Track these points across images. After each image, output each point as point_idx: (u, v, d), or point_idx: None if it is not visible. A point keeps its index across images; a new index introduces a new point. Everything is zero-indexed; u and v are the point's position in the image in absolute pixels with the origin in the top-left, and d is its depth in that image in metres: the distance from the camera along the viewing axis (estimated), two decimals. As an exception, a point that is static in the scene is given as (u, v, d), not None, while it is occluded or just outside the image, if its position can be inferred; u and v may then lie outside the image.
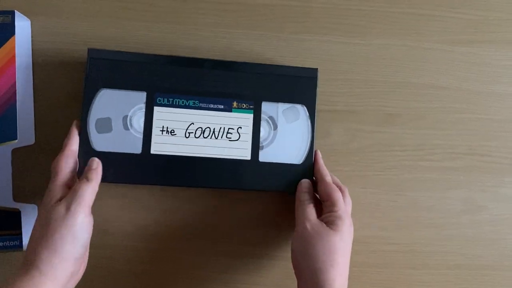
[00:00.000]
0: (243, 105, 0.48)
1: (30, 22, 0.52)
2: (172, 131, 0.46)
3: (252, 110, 0.48)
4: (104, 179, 0.45)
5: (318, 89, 0.49)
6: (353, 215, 0.46)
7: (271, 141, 0.48)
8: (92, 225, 0.41)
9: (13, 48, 0.49)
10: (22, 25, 0.51)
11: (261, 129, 0.48)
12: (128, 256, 0.50)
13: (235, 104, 0.48)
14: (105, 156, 0.45)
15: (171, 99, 0.47)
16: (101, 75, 0.46)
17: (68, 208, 0.39)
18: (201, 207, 0.51)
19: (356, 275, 0.51)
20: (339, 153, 0.52)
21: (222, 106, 0.47)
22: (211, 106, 0.47)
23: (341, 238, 0.42)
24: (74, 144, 0.44)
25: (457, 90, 0.53)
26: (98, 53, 0.46)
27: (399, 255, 0.52)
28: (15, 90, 0.49)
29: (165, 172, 0.46)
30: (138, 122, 0.46)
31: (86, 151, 0.45)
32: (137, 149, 0.46)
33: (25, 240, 0.48)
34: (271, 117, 0.48)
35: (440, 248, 0.52)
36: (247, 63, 0.48)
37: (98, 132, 0.45)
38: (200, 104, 0.47)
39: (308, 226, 0.42)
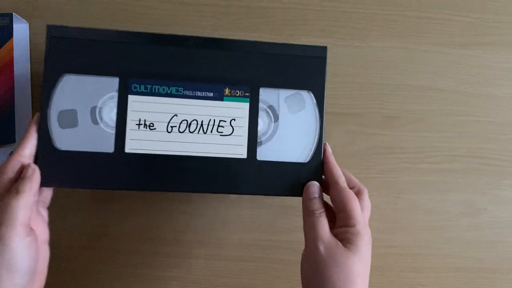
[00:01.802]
0: (237, 92, 0.39)
1: (28, 24, 0.51)
2: (151, 124, 0.38)
3: (248, 98, 0.39)
4: (69, 185, 0.37)
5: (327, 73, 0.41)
6: None
7: (271, 136, 0.40)
8: (36, 245, 0.34)
9: (11, 50, 0.49)
10: (20, 28, 0.50)
11: (259, 121, 0.39)
12: (127, 259, 0.50)
13: (227, 91, 0.39)
14: (70, 157, 0.37)
15: (149, 86, 0.38)
16: (64, 58, 0.38)
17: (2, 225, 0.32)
18: (199, 210, 0.51)
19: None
20: (338, 155, 0.47)
21: (212, 94, 0.39)
22: (198, 93, 0.39)
23: (360, 260, 0.35)
24: (26, 147, 0.36)
25: (456, 93, 0.53)
26: (60, 31, 0.38)
27: (398, 258, 0.52)
28: (13, 93, 0.49)
29: (142, 174, 0.38)
30: (110, 114, 0.38)
31: (48, 151, 0.37)
32: (108, 147, 0.38)
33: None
34: (270, 107, 0.40)
35: (440, 251, 0.52)
36: (241, 40, 0.40)
37: (61, 127, 0.37)
38: (185, 91, 0.39)
39: (321, 247, 0.35)
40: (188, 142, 0.39)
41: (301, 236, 0.51)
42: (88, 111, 0.38)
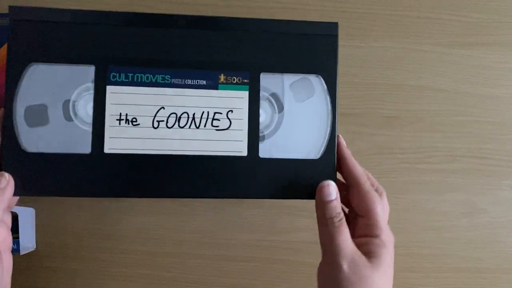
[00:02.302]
0: (234, 79, 0.34)
1: None
2: (134, 119, 0.33)
3: (247, 86, 0.34)
4: (40, 193, 0.32)
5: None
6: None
7: (276, 129, 0.34)
8: (4, 262, 0.29)
9: None
10: None
11: (261, 112, 0.34)
12: (126, 260, 0.50)
13: (222, 77, 0.33)
14: (40, 160, 0.32)
15: (130, 75, 0.33)
16: (30, 44, 0.32)
17: None
18: (199, 210, 0.50)
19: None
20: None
21: (205, 82, 0.33)
22: (189, 82, 0.33)
23: (384, 274, 0.31)
24: None
25: (456, 93, 0.53)
26: (26, 13, 0.32)
27: (398, 258, 0.48)
28: None
29: (125, 178, 0.32)
30: (85, 108, 0.33)
31: (14, 154, 0.32)
32: (85, 147, 0.32)
33: (22, 243, 0.45)
34: (274, 95, 0.34)
35: (439, 251, 0.52)
36: (236, 18, 0.34)
37: (29, 125, 0.32)
38: (172, 79, 0.33)
39: (344, 264, 0.30)
40: (178, 139, 0.33)
41: (300, 237, 0.52)
42: (60, 106, 0.32)
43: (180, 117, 0.33)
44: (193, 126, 0.33)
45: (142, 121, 0.33)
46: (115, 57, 0.33)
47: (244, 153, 0.33)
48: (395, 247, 0.49)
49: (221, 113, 0.33)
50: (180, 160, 0.33)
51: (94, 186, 0.32)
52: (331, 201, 0.32)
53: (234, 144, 0.33)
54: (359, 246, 0.31)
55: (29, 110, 0.32)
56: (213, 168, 0.33)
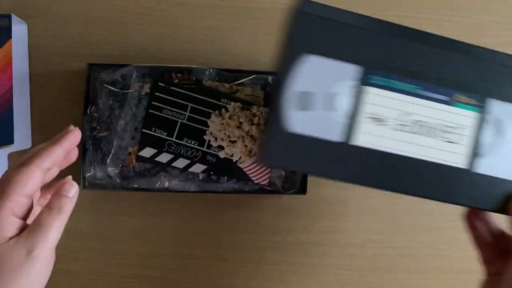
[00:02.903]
0: (467, 100, 0.38)
1: (27, 25, 0.52)
2: (383, 120, 0.37)
3: (477, 108, 0.38)
4: (293, 167, 0.37)
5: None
6: (352, 219, 0.49)
7: (494, 150, 0.39)
8: (52, 266, 0.33)
9: (10, 51, 0.49)
10: (19, 29, 0.51)
11: (484, 132, 0.39)
12: (124, 261, 0.51)
13: (458, 97, 0.38)
14: (298, 139, 0.36)
15: (388, 80, 0.37)
16: (311, 37, 0.36)
17: (29, 253, 0.30)
18: (198, 211, 0.51)
19: (354, 280, 0.53)
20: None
21: (443, 97, 0.38)
22: (431, 95, 0.38)
23: None
24: (53, 153, 0.33)
25: None
26: (314, 8, 0.35)
27: (397, 259, 0.53)
28: (12, 94, 0.49)
29: (366, 169, 0.37)
30: (344, 102, 0.37)
31: (278, 130, 0.36)
32: (338, 136, 0.37)
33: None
34: (498, 120, 0.39)
35: (439, 252, 0.53)
36: (481, 47, 0.38)
37: (295, 108, 0.36)
38: (420, 91, 0.37)
39: None
40: (411, 143, 0.38)
41: (299, 237, 0.53)
42: (323, 96, 0.36)
43: (419, 125, 0.38)
44: (427, 134, 0.38)
45: (389, 123, 0.37)
46: (378, 63, 0.37)
47: (463, 165, 0.38)
48: (395, 247, 0.53)
49: (451, 127, 0.38)
50: (411, 161, 0.38)
51: (340, 171, 0.37)
52: None
53: (456, 156, 0.38)
54: None
55: (297, 95, 0.36)
56: (435, 173, 0.38)
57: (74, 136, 0.35)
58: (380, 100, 0.37)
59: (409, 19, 0.53)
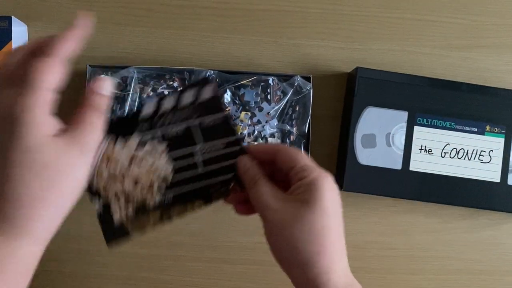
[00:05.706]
0: (495, 129, 0.50)
1: (27, 27, 0.51)
2: (430, 150, 0.49)
3: (504, 135, 0.50)
4: (366, 191, 0.49)
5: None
6: (352, 220, 0.48)
7: (522, 167, 0.50)
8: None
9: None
10: (19, 31, 0.50)
11: (512, 154, 0.50)
12: (124, 263, 0.50)
13: (488, 127, 0.50)
14: (368, 170, 0.49)
15: (430, 120, 0.50)
16: (368, 94, 0.49)
17: (82, 153, 0.28)
18: (200, 211, 0.47)
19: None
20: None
21: (476, 129, 0.50)
22: (465, 128, 0.50)
23: (322, 212, 0.29)
24: (71, 41, 0.30)
25: None
26: (367, 73, 0.49)
27: (398, 260, 0.53)
28: None
29: (420, 188, 0.49)
30: (400, 139, 0.49)
31: (353, 165, 0.49)
32: (397, 165, 0.49)
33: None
34: (522, 143, 0.50)
35: (439, 253, 0.53)
36: (504, 89, 0.50)
37: (363, 147, 0.49)
38: (456, 126, 0.50)
39: (269, 215, 0.30)
40: (456, 165, 0.50)
41: None
42: (383, 136, 0.49)
43: (458, 151, 0.50)
44: (466, 158, 0.50)
45: (435, 152, 0.49)
46: (421, 107, 0.49)
47: (498, 180, 0.50)
48: (395, 248, 0.52)
49: (485, 151, 0.50)
50: (455, 180, 0.49)
51: (401, 191, 0.49)
52: (249, 167, 0.32)
53: (492, 173, 0.50)
54: (291, 193, 0.30)
55: (364, 137, 0.49)
56: (476, 188, 0.50)
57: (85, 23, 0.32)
58: (426, 135, 0.49)
59: (409, 20, 0.53)
